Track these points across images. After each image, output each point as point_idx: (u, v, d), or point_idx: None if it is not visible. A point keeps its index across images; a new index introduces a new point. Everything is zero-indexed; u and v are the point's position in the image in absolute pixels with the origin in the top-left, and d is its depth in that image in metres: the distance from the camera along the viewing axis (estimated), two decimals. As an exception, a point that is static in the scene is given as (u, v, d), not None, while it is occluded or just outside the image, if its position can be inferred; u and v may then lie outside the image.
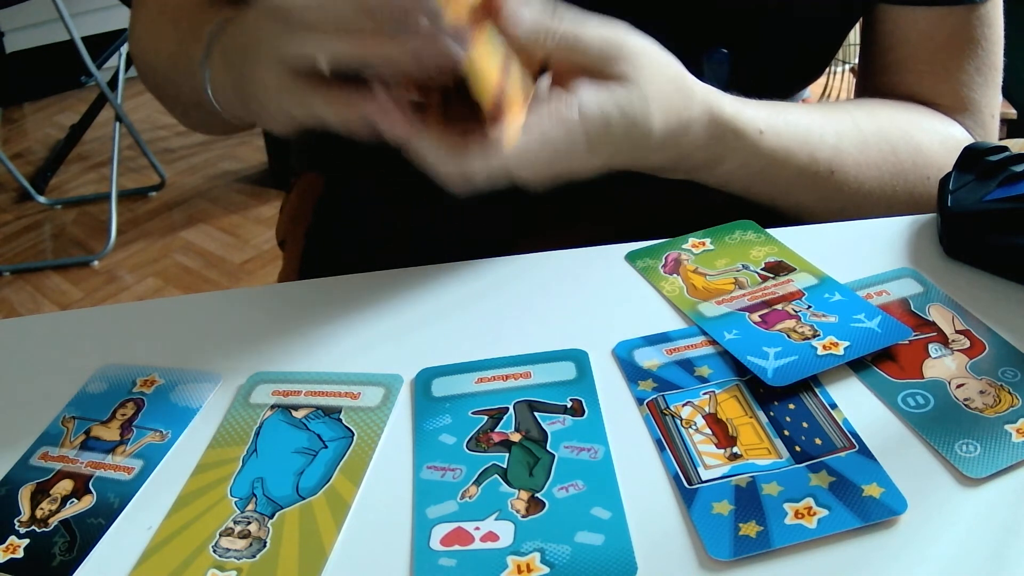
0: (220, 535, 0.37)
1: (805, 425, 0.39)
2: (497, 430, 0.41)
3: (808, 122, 0.54)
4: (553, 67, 0.45)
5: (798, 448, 0.38)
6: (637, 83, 0.45)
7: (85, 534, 0.38)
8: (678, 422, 0.40)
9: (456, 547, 0.35)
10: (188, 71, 0.55)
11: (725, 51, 0.54)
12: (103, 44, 2.34)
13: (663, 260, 0.51)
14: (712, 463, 0.38)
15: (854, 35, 0.68)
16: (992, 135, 0.64)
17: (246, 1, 0.60)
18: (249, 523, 0.37)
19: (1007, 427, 0.38)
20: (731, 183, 0.54)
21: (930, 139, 0.59)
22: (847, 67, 1.94)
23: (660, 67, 0.46)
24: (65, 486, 0.40)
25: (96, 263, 2.26)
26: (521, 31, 0.42)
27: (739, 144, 0.51)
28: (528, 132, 0.41)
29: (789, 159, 0.53)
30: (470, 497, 0.37)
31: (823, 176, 0.55)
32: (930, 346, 0.43)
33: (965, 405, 0.40)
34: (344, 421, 0.42)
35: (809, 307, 0.46)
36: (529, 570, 0.34)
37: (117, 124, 2.40)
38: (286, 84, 0.43)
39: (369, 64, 0.40)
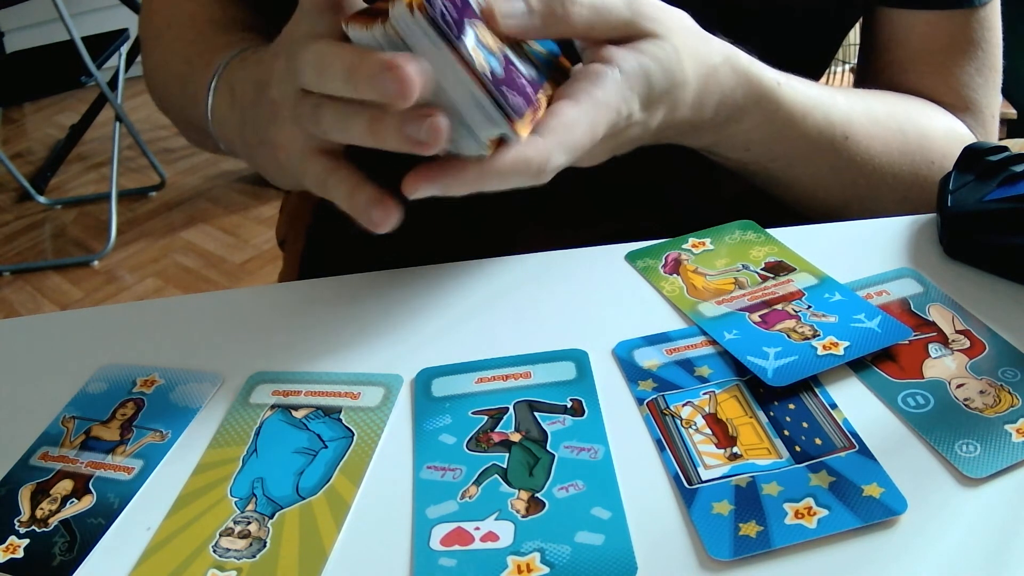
0: (220, 535, 0.37)
1: (805, 425, 0.39)
2: (497, 430, 0.41)
3: (819, 89, 0.55)
4: (582, 45, 0.45)
5: (798, 448, 0.38)
6: (666, 37, 0.45)
7: (85, 534, 0.38)
8: (678, 422, 0.40)
9: (456, 547, 0.35)
10: (194, 97, 0.55)
11: None
12: (103, 44, 2.33)
13: (663, 260, 0.51)
14: (712, 463, 0.38)
15: (854, 35, 0.68)
16: (992, 135, 0.64)
17: (259, 29, 0.60)
18: (249, 523, 0.37)
19: (1007, 427, 0.38)
20: (753, 144, 0.54)
21: (935, 125, 0.59)
22: (847, 67, 1.94)
23: (679, 19, 0.47)
24: (65, 486, 0.40)
25: (96, 263, 2.26)
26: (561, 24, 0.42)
27: (759, 94, 0.51)
28: (581, 115, 0.41)
29: (806, 116, 0.53)
30: (470, 497, 0.37)
31: (838, 140, 0.55)
32: (930, 346, 0.43)
33: (965, 405, 0.40)
34: (344, 421, 0.42)
35: (809, 307, 0.46)
36: (529, 570, 0.34)
37: (117, 124, 2.41)
38: (307, 156, 0.43)
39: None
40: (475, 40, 0.38)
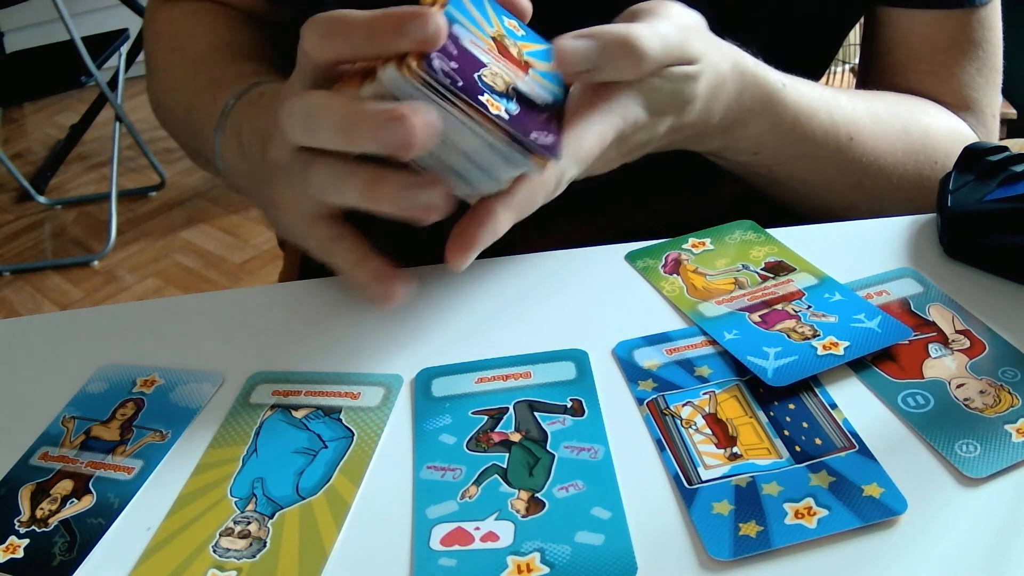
0: (220, 535, 0.37)
1: (805, 425, 0.39)
2: (497, 430, 0.41)
3: (823, 90, 0.55)
4: None
5: (798, 448, 0.38)
6: (700, 61, 0.45)
7: (85, 534, 0.38)
8: (678, 422, 0.40)
9: (456, 547, 0.35)
10: (201, 134, 0.54)
11: None
12: (103, 44, 2.34)
13: (663, 260, 0.51)
14: (712, 463, 0.38)
15: (854, 35, 0.68)
16: (993, 135, 0.64)
17: (268, 57, 0.59)
18: (249, 523, 0.37)
19: (1007, 427, 0.38)
20: (760, 148, 0.54)
21: (937, 124, 0.59)
22: (847, 67, 1.94)
23: (706, 36, 0.47)
24: (65, 486, 0.40)
25: (96, 263, 2.26)
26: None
27: (764, 96, 0.51)
28: (589, 125, 0.41)
29: (811, 118, 0.53)
30: (470, 497, 0.37)
31: (843, 141, 0.55)
32: (930, 346, 0.43)
33: (965, 405, 0.40)
34: (344, 421, 0.42)
35: (809, 307, 0.46)
36: (529, 570, 0.34)
37: (117, 124, 2.41)
38: (310, 221, 0.43)
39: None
40: (488, 89, 0.37)
